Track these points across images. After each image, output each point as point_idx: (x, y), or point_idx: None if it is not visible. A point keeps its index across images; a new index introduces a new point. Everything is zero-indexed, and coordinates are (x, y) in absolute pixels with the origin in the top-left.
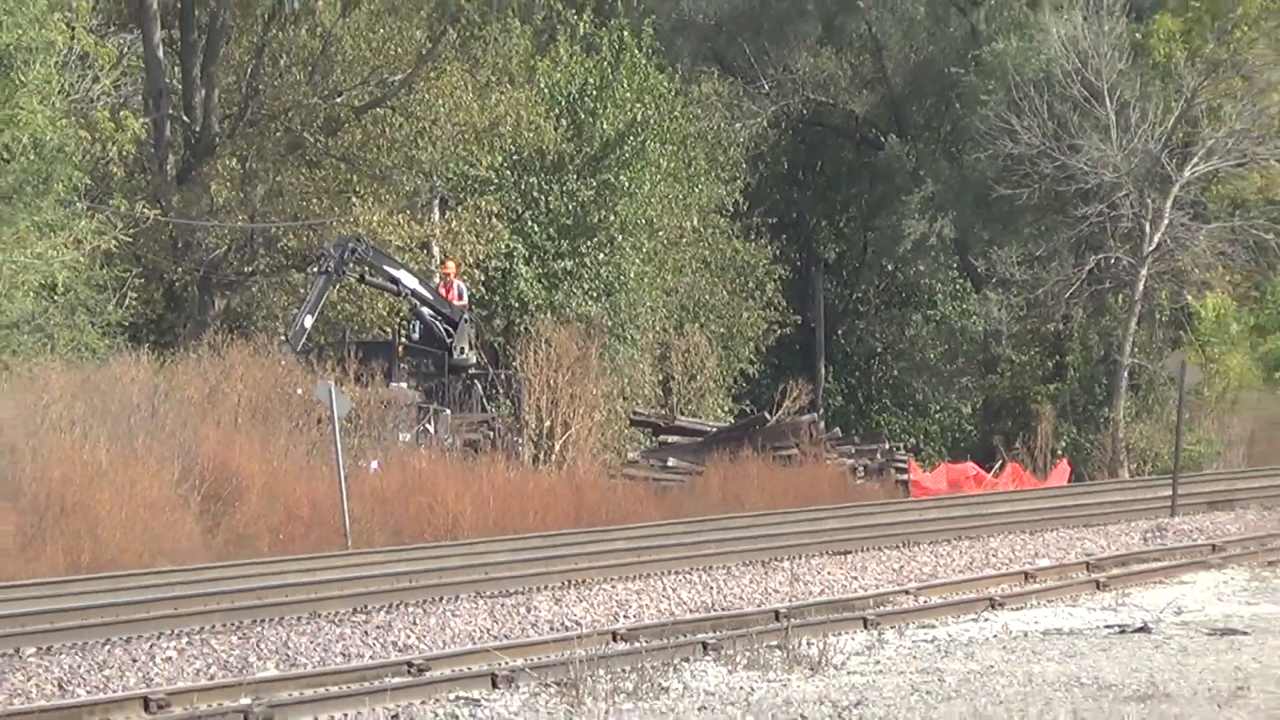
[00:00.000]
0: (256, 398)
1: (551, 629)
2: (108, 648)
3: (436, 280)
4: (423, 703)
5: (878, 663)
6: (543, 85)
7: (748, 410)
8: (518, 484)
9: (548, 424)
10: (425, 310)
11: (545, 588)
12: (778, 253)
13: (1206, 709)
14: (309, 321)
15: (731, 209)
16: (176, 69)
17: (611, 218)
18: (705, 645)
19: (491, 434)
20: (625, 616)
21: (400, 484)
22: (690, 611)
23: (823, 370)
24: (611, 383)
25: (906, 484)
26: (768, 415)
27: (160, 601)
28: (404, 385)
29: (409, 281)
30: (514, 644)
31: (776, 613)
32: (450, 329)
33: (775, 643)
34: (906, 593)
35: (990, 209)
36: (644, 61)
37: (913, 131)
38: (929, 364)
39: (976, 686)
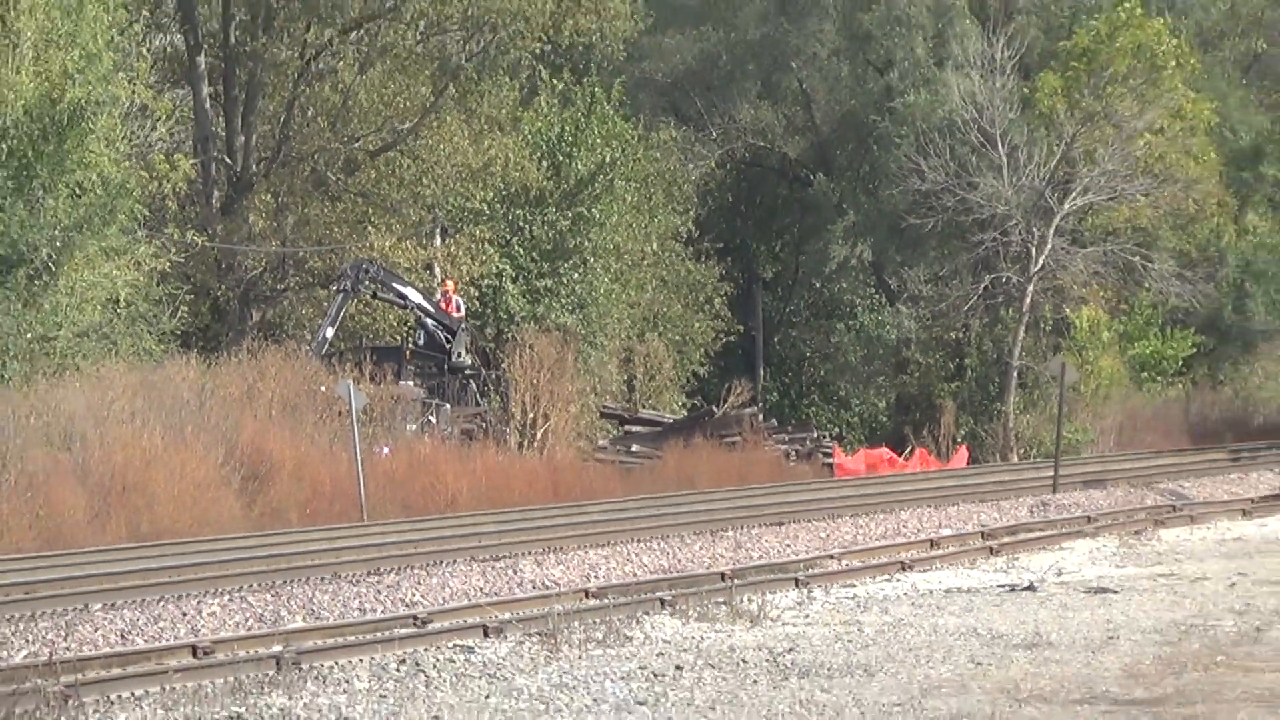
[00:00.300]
0: (287, 394)
1: (534, 588)
2: (161, 604)
3: (438, 296)
4: (425, 650)
5: (807, 616)
6: (527, 132)
7: (698, 404)
8: (505, 466)
9: (531, 416)
10: (428, 321)
11: (529, 553)
12: (723, 272)
13: (1082, 655)
14: (330, 332)
15: (685, 236)
16: (221, 119)
17: (585, 243)
18: (663, 601)
19: (484, 424)
20: (596, 577)
21: (407, 466)
22: (650, 573)
23: (761, 371)
24: (584, 381)
25: (831, 466)
26: (715, 409)
27: (206, 565)
28: (411, 384)
29: (415, 297)
30: (502, 600)
31: (722, 574)
32: (450, 336)
33: (721, 599)
34: (831, 557)
35: (902, 236)
36: (612, 113)
37: (837, 171)
38: (850, 366)
39: (890, 636)
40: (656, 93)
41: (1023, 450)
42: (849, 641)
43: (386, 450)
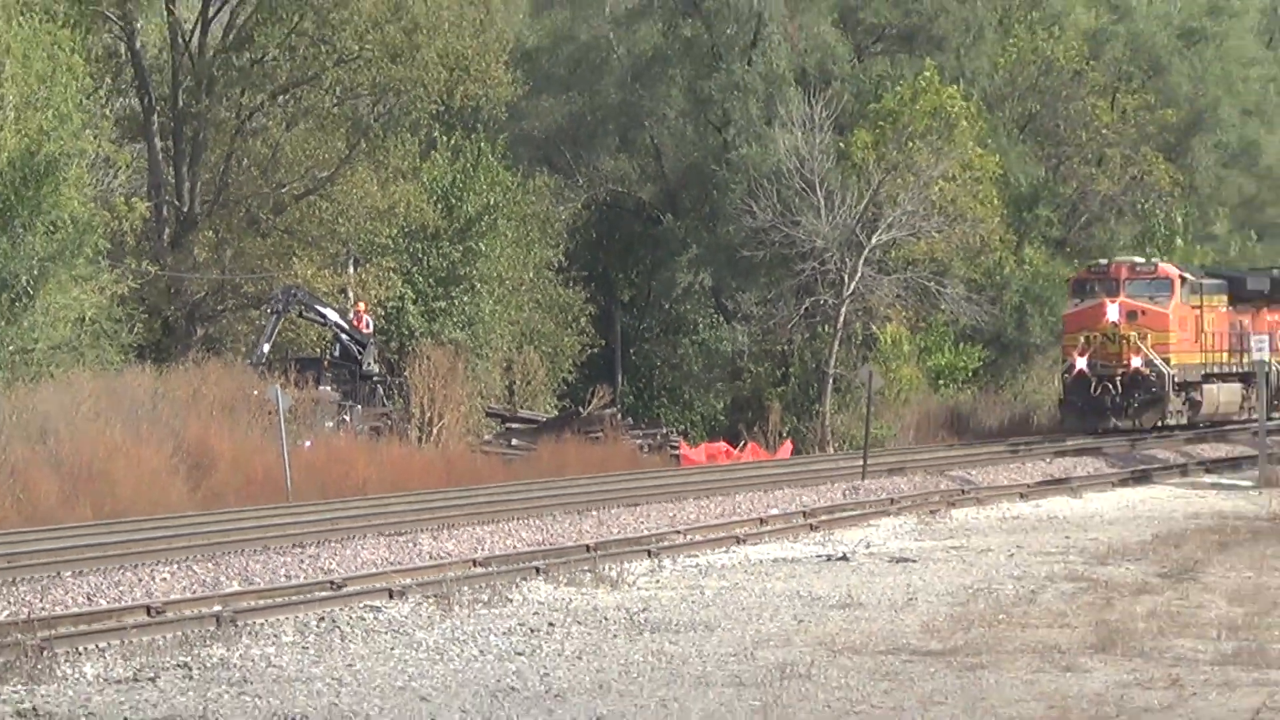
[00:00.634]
0: (226, 397)
1: (430, 558)
2: (121, 571)
3: (351, 315)
4: (340, 609)
5: (658, 581)
6: (425, 179)
7: (567, 406)
8: (407, 457)
9: (428, 415)
10: (344, 336)
11: (426, 529)
12: (588, 296)
13: (887, 613)
14: (267, 348)
15: (556, 265)
16: (170, 168)
17: (473, 271)
18: (538, 569)
19: (389, 422)
20: (482, 549)
21: (325, 457)
22: (527, 546)
23: (620, 378)
24: (472, 386)
25: (678, 457)
26: (581, 409)
27: (158, 539)
28: (328, 389)
29: (333, 316)
30: (404, 569)
31: (587, 547)
32: (361, 349)
33: (587, 568)
34: (678, 533)
35: (736, 265)
36: (495, 163)
37: (682, 211)
38: (693, 373)
39: (727, 598)
40: (532, 147)
41: (837, 443)
42: (693, 602)
43: (308, 444)
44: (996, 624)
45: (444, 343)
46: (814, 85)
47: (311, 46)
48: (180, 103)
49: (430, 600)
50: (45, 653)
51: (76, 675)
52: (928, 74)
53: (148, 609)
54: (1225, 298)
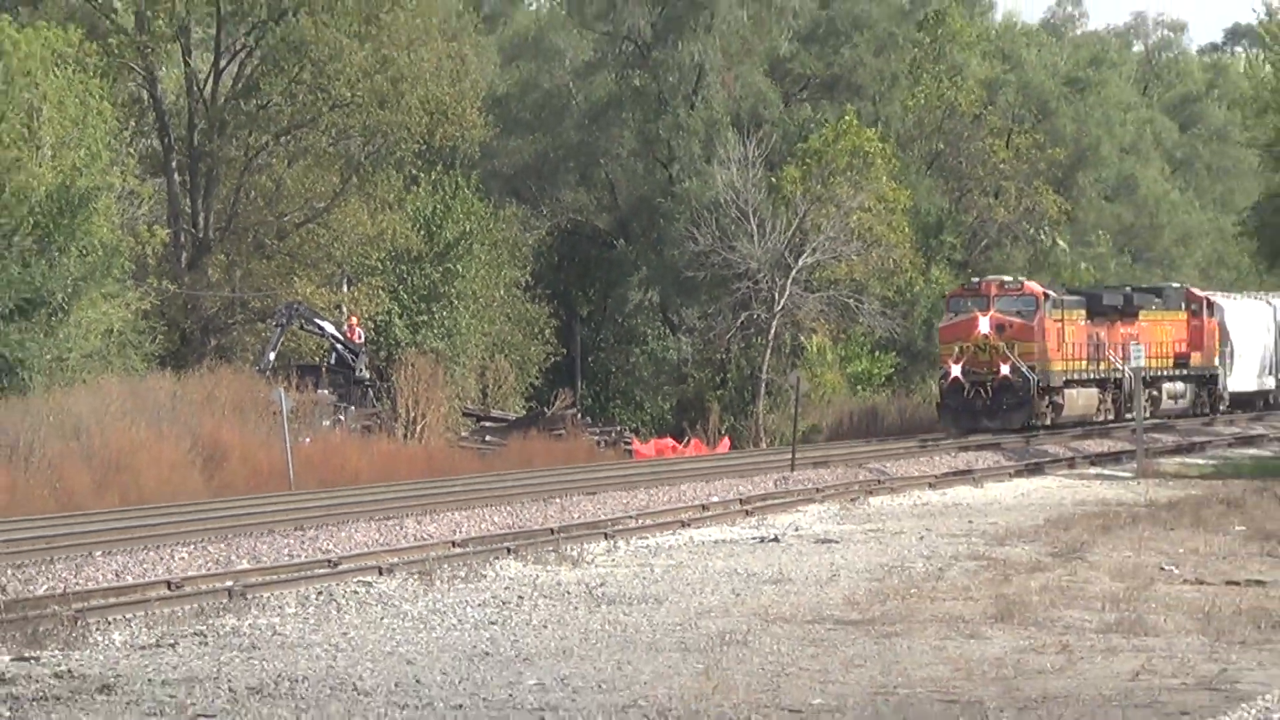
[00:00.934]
0: (236, 400)
1: (415, 540)
2: (144, 551)
3: (345, 327)
4: (337, 584)
5: (614, 560)
6: (409, 210)
7: (534, 407)
8: (394, 451)
9: (412, 415)
10: (339, 346)
11: (411, 515)
12: (551, 311)
13: (814, 588)
14: (272, 356)
15: (523, 285)
16: (187, 200)
17: (451, 290)
18: (509, 549)
19: (378, 421)
20: (460, 532)
21: (323, 451)
22: (499, 529)
23: (579, 382)
24: (451, 390)
25: (630, 451)
26: (546, 410)
27: (177, 523)
28: (325, 392)
29: (329, 328)
30: (392, 549)
31: (552, 530)
32: (354, 357)
33: (551, 548)
34: (631, 517)
35: (681, 285)
36: (470, 195)
37: (633, 237)
38: (643, 378)
39: (674, 574)
40: (502, 181)
41: (769, 439)
42: (644, 578)
43: (308, 440)
44: (909, 597)
45: (426, 352)
46: (748, 127)
47: (309, 94)
48: (195, 143)
49: (415, 576)
50: (79, 622)
51: (106, 642)
52: (848, 118)
53: (168, 584)
54: (1083, 312)
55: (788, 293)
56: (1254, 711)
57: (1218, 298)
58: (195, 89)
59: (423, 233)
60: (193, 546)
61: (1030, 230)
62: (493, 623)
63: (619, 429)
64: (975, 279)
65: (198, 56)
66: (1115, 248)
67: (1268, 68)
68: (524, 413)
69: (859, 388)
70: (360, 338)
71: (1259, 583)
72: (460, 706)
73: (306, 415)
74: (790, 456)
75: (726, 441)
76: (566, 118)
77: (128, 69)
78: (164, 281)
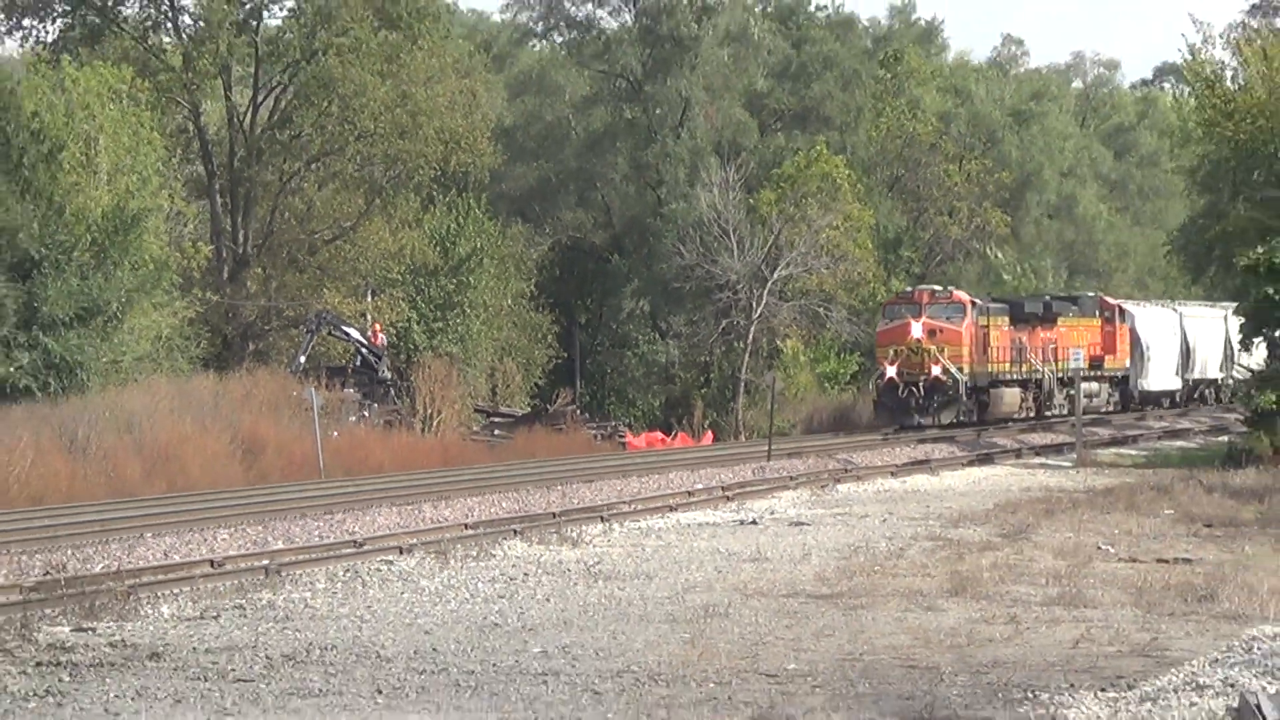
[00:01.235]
0: (272, 398)
1: (432, 523)
2: (190, 533)
3: (369, 333)
4: (361, 563)
5: (609, 540)
6: (426, 228)
7: (538, 404)
8: (413, 444)
9: (429, 411)
10: (363, 350)
11: (427, 500)
12: (553, 319)
13: (788, 565)
14: (303, 359)
15: (528, 295)
16: (228, 219)
17: (464, 300)
18: (515, 531)
19: (399, 417)
20: (472, 516)
21: (349, 444)
22: (507, 513)
23: (578, 382)
24: (463, 389)
25: (624, 444)
26: (548, 407)
27: (219, 508)
28: (351, 391)
29: (355, 334)
30: (411, 531)
31: (554, 514)
32: (377, 360)
33: (553, 530)
34: (625, 502)
35: (669, 295)
36: (481, 215)
37: (626, 253)
38: (635, 379)
39: (662, 553)
40: (509, 203)
41: (748, 433)
42: (636, 557)
43: (336, 433)
44: (873, 574)
45: (441, 355)
46: (728, 155)
47: (337, 126)
48: (235, 169)
49: (431, 555)
50: (131, 597)
51: (155, 614)
52: (818, 147)
53: (211, 562)
54: (1007, 319)
55: (764, 302)
56: (1182, 676)
57: (1129, 305)
58: (235, 121)
59: (438, 249)
60: (233, 529)
61: (981, 248)
62: (501, 597)
63: (614, 424)
64: (909, 288)
65: (238, 92)
66: (1058, 261)
67: (1192, 102)
68: (529, 409)
69: (827, 386)
70: (383, 342)
71: (1186, 560)
72: (472, 672)
73: (335, 412)
74: (767, 448)
75: (710, 435)
76: (566, 146)
77: (175, 103)
78: (207, 292)
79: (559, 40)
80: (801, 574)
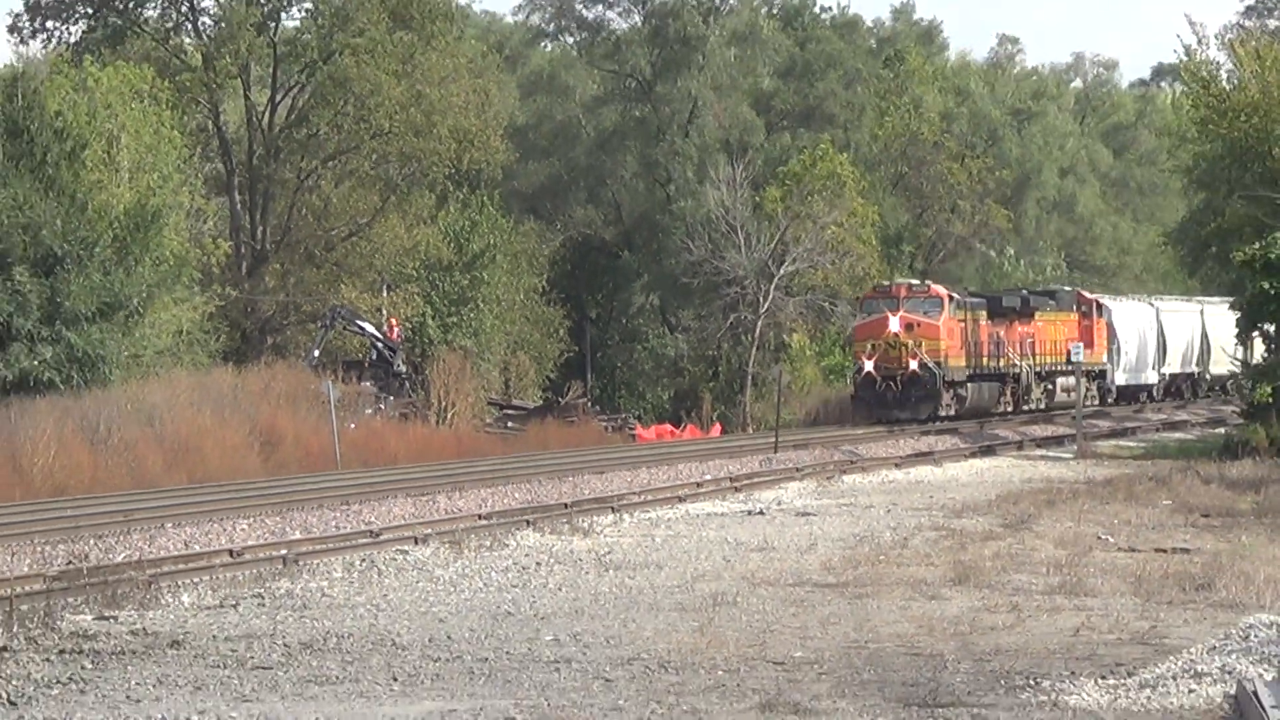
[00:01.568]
0: (290, 391)
1: (446, 513)
2: (209, 523)
3: (385, 327)
4: (378, 552)
5: (619, 531)
6: (440, 225)
7: (550, 397)
8: (428, 436)
9: (443, 404)
10: (379, 344)
11: (442, 491)
12: (565, 313)
13: (794, 555)
14: (317, 353)
15: (540, 290)
16: (247, 216)
17: (478, 295)
18: (528, 522)
19: (414, 410)
20: (485, 506)
21: (366, 436)
22: (520, 504)
23: (589, 375)
24: (477, 382)
25: (634, 436)
26: (560, 400)
27: (238, 498)
28: (368, 384)
29: (370, 329)
30: (426, 521)
31: (565, 504)
32: (392, 354)
33: (565, 520)
34: (635, 493)
35: (678, 290)
36: (494, 212)
37: (636, 249)
38: (645, 371)
39: (672, 543)
40: (522, 200)
41: (755, 425)
42: (646, 547)
43: (352, 425)
44: (878, 563)
45: (455, 349)
46: (735, 153)
47: (354, 125)
48: (254, 166)
49: (446, 545)
50: (152, 585)
51: (176, 603)
52: (823, 145)
53: (230, 552)
54: (985, 313)
55: (771, 297)
56: (1180, 663)
57: (1106, 300)
58: (254, 120)
59: (452, 245)
60: (252, 519)
61: (982, 247)
62: (514, 586)
63: (624, 416)
64: (886, 282)
65: (256, 91)
66: (1057, 257)
67: (1187, 102)
68: (541, 402)
69: (833, 379)
70: (398, 336)
71: (1184, 550)
72: (486, 659)
73: (351, 404)
74: (774, 440)
75: (718, 427)
76: (577, 145)
77: (195, 102)
78: (226, 288)
79: (570, 41)
80: (808, 563)
